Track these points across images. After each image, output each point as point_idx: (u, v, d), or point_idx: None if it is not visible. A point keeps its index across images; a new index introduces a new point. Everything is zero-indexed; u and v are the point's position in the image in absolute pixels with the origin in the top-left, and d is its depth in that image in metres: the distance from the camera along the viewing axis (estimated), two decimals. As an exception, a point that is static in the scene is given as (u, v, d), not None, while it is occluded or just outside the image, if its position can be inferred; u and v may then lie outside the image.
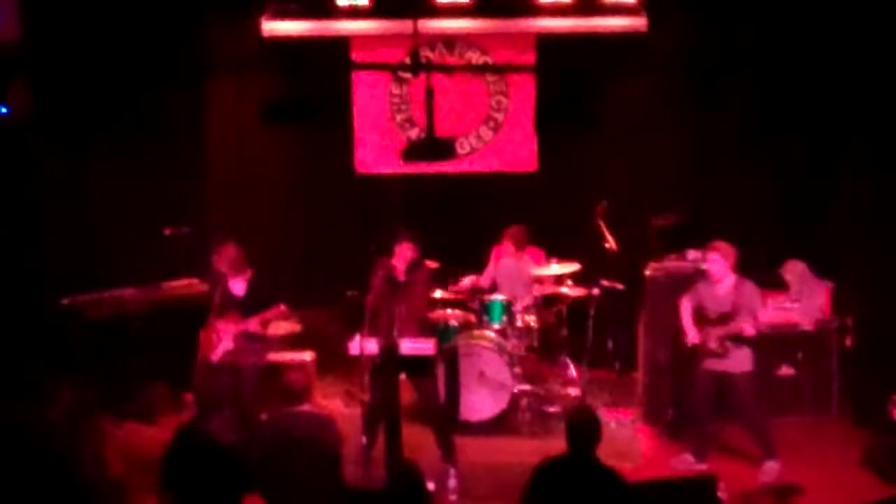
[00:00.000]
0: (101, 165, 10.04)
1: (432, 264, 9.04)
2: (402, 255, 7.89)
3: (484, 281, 9.90)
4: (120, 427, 8.68)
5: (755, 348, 7.99)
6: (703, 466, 7.99)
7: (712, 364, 8.01)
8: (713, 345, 7.94)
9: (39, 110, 9.53)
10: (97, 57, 9.72)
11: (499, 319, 9.30)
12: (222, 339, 8.14)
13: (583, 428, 5.74)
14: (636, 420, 9.22)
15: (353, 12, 10.67)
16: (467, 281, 9.86)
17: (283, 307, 8.38)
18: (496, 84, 11.11)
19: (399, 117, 11.18)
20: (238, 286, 8.31)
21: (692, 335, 8.08)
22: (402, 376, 7.98)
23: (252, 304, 8.21)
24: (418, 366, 7.82)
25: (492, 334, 9.22)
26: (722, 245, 8.08)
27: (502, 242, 9.78)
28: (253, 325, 8.18)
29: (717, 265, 8.03)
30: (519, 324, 9.32)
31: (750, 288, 8.00)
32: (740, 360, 7.94)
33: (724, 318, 7.93)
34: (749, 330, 7.83)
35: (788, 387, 9.24)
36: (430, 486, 5.72)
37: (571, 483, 5.55)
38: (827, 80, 9.55)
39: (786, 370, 9.26)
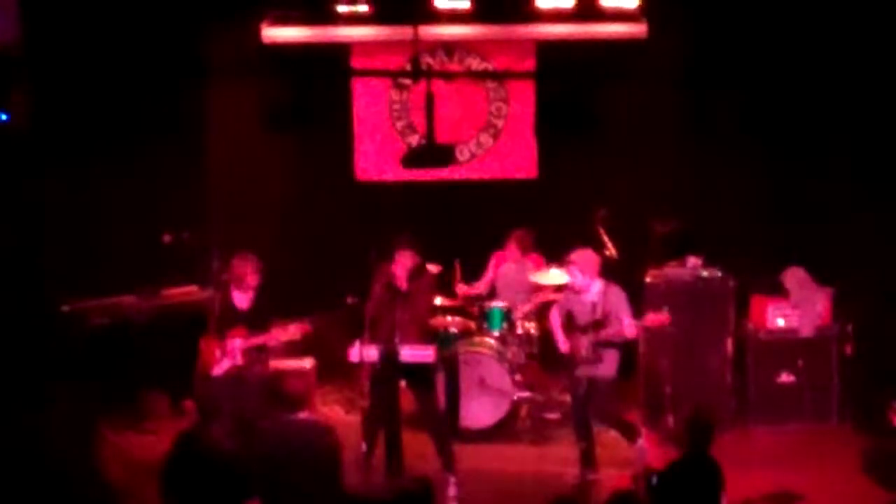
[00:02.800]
0: (101, 171, 10.03)
1: (434, 269, 9.02)
2: (403, 262, 7.86)
3: (481, 287, 9.87)
4: (119, 434, 8.72)
5: (622, 354, 8.05)
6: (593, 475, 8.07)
7: (584, 370, 8.02)
8: (584, 352, 7.95)
9: (39, 116, 9.53)
10: (98, 63, 9.71)
11: (499, 326, 9.29)
12: (228, 355, 8.03)
13: (704, 428, 6.16)
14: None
15: (354, 19, 10.66)
16: (463, 289, 9.81)
17: (307, 326, 8.28)
18: (496, 90, 11.12)
19: (399, 124, 11.18)
20: (242, 299, 8.21)
21: (562, 344, 8.13)
22: (403, 383, 7.99)
23: (256, 319, 8.10)
24: (417, 373, 7.81)
25: (492, 341, 9.22)
26: (578, 256, 8.12)
27: (506, 247, 9.73)
28: (274, 336, 8.07)
29: (576, 277, 8.08)
30: (519, 331, 9.32)
31: (614, 292, 8.00)
32: (607, 366, 7.96)
33: (597, 326, 7.92)
34: (630, 331, 7.85)
35: (788, 393, 9.24)
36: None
37: (694, 481, 6.06)
38: (825, 86, 9.55)
39: (786, 377, 9.26)
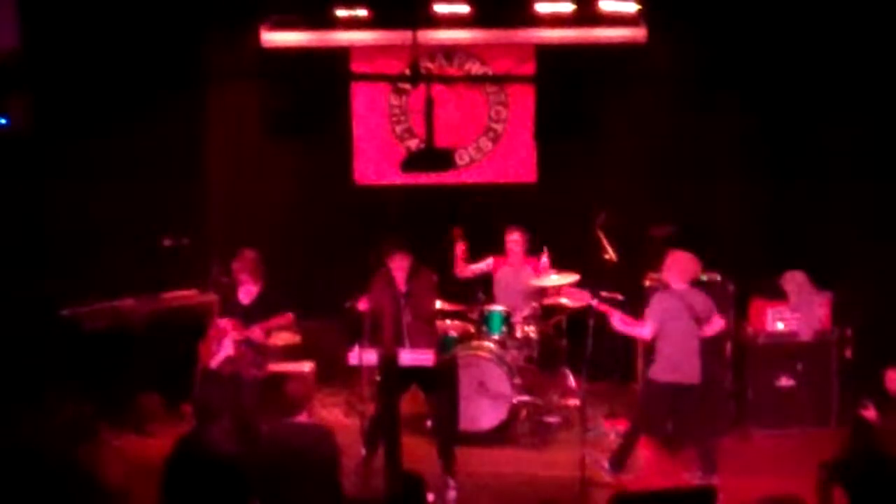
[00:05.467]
0: (100, 176, 10.03)
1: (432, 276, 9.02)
2: (399, 264, 7.88)
3: (481, 266, 9.80)
4: (119, 437, 8.72)
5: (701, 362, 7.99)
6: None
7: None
8: None
9: (39, 122, 9.54)
10: (97, 68, 9.73)
11: (498, 330, 9.28)
12: (223, 343, 8.10)
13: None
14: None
15: (353, 23, 10.69)
16: (482, 265, 9.75)
17: (290, 315, 8.38)
18: (495, 95, 11.13)
19: (398, 128, 11.19)
20: (246, 295, 8.28)
21: None
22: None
23: (258, 315, 8.17)
24: (430, 377, 7.81)
25: (491, 345, 9.21)
26: (677, 256, 8.15)
27: (506, 242, 9.68)
28: (257, 333, 8.14)
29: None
30: (518, 334, 9.31)
31: (699, 297, 8.04)
32: (683, 371, 7.98)
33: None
34: (713, 329, 7.98)
35: (788, 398, 9.23)
36: (430, 497, 5.72)
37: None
38: (825, 90, 9.57)
39: (785, 381, 9.25)
